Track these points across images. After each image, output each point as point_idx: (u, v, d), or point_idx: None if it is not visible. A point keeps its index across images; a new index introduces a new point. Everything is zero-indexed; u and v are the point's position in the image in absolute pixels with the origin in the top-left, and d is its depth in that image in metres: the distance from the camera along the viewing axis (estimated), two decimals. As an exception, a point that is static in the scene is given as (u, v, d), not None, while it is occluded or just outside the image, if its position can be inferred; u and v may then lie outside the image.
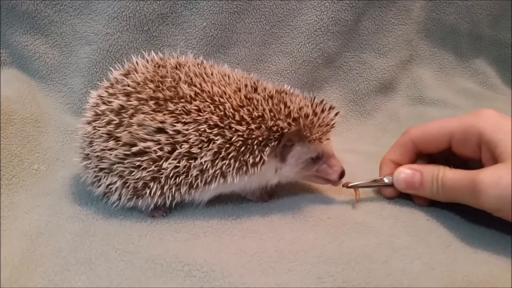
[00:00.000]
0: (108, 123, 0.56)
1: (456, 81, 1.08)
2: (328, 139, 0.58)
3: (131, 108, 0.55)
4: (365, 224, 0.56)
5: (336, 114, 0.58)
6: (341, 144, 0.62)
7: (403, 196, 0.61)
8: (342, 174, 0.59)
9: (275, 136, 0.55)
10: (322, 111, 0.57)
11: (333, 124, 0.58)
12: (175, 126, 0.54)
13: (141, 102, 0.55)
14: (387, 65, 0.99)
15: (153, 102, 0.55)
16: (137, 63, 0.60)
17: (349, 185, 0.61)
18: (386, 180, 0.61)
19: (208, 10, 0.88)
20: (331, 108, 0.58)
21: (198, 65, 0.60)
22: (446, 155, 0.58)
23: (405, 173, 0.58)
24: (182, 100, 0.55)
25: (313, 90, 0.95)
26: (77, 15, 0.86)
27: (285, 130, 0.55)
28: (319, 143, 0.57)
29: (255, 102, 0.56)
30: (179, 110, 0.54)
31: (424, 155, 0.61)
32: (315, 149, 0.57)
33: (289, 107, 0.56)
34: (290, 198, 0.63)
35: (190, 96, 0.55)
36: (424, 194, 0.57)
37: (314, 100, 0.58)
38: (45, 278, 0.48)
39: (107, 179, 0.57)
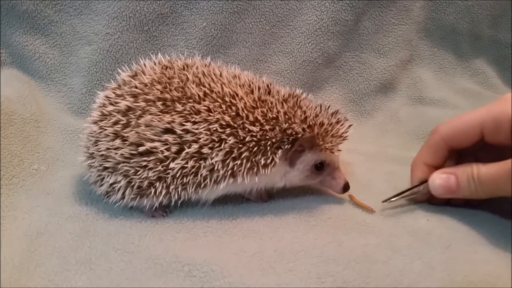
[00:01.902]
0: (115, 123, 0.56)
1: (456, 81, 1.08)
2: (340, 150, 0.58)
3: (139, 109, 0.55)
4: (365, 224, 0.56)
5: (350, 126, 0.59)
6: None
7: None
8: (346, 187, 0.59)
9: (289, 139, 0.55)
10: (337, 122, 0.57)
11: (346, 136, 0.58)
12: (184, 125, 0.53)
13: (149, 103, 0.55)
14: (387, 65, 0.99)
15: (160, 103, 0.55)
16: (144, 65, 0.60)
17: (384, 200, 0.59)
18: (421, 188, 0.59)
19: (208, 10, 0.88)
20: (345, 120, 0.58)
21: (206, 66, 0.60)
22: (475, 149, 0.57)
23: (440, 178, 0.56)
24: (191, 100, 0.55)
25: (313, 90, 0.95)
26: (77, 15, 0.86)
27: (299, 135, 0.55)
28: (330, 153, 0.58)
29: (269, 104, 0.56)
30: (188, 110, 0.54)
31: (452, 155, 0.59)
32: (323, 158, 0.57)
33: (305, 112, 0.56)
34: (290, 198, 0.63)
35: (199, 96, 0.55)
36: (462, 195, 0.55)
37: (329, 109, 0.58)
38: (45, 278, 0.48)
39: (110, 178, 0.57)
